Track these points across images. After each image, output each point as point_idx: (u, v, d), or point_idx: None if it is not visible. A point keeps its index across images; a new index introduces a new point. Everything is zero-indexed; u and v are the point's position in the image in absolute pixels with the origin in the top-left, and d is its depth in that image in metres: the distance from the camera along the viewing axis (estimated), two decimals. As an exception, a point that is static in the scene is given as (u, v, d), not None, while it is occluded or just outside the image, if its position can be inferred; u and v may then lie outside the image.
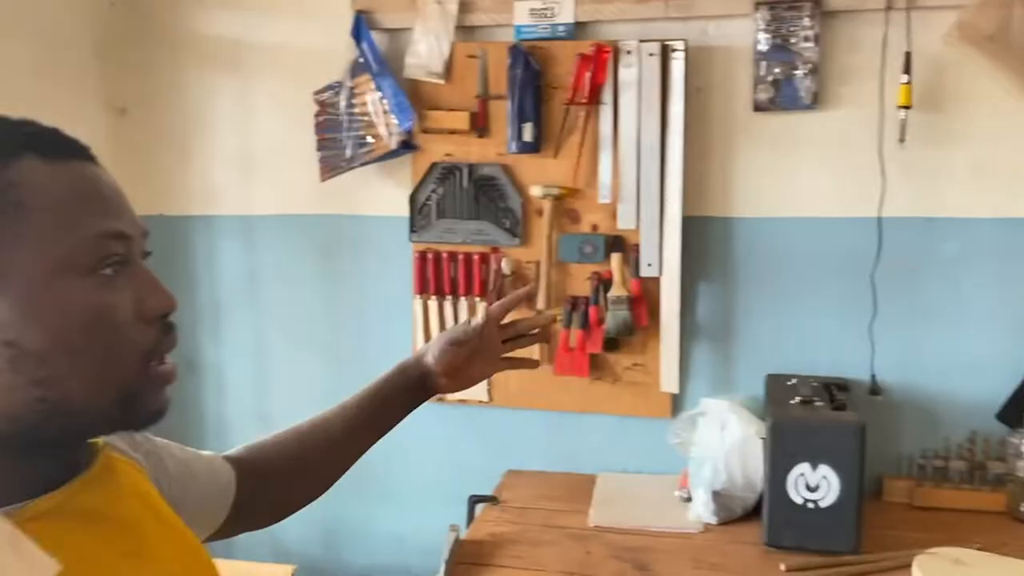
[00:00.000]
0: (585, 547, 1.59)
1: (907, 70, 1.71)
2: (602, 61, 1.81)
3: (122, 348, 0.61)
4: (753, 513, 1.68)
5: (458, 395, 1.93)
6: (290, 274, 2.10)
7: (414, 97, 1.91)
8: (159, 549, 0.69)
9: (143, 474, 0.75)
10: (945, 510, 1.71)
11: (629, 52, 1.80)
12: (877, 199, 1.76)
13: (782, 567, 1.47)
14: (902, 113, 1.72)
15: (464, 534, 1.66)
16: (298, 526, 2.08)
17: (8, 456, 0.60)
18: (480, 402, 1.99)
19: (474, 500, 1.81)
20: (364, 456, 1.00)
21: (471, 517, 1.79)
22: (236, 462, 0.92)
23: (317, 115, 2.00)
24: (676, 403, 1.91)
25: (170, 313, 0.65)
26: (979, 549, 1.49)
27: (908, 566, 1.43)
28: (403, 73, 1.92)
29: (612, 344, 1.89)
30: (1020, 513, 1.67)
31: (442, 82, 1.90)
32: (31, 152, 0.60)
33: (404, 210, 1.96)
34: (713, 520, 1.67)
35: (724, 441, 1.69)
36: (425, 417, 1.99)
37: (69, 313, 0.58)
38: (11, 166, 0.59)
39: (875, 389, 1.81)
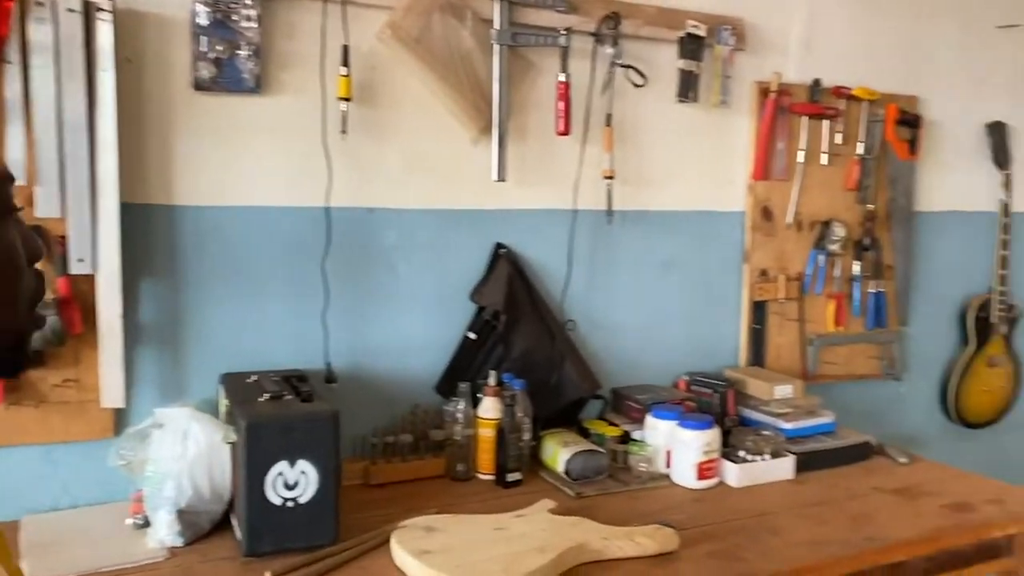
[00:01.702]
0: (25, 613, 1.28)
1: (346, 63, 1.75)
2: (4, 11, 1.46)
3: (24, 292, 0.61)
4: (221, 525, 1.55)
5: None
6: None
7: None
8: None
9: None
10: (397, 483, 1.82)
11: (41, 4, 1.49)
12: (324, 189, 1.78)
13: (267, 575, 1.39)
14: (343, 105, 1.76)
15: None
16: None
17: None
18: None
19: None
20: None
21: None
22: None
23: None
24: (121, 419, 1.66)
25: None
26: (437, 513, 1.62)
27: (386, 543, 1.49)
28: None
29: (35, 358, 1.55)
30: (457, 473, 1.86)
31: None
32: None
33: None
34: (179, 542, 1.49)
35: (187, 453, 1.52)
36: None
37: None
38: None
39: (330, 377, 1.83)
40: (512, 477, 1.83)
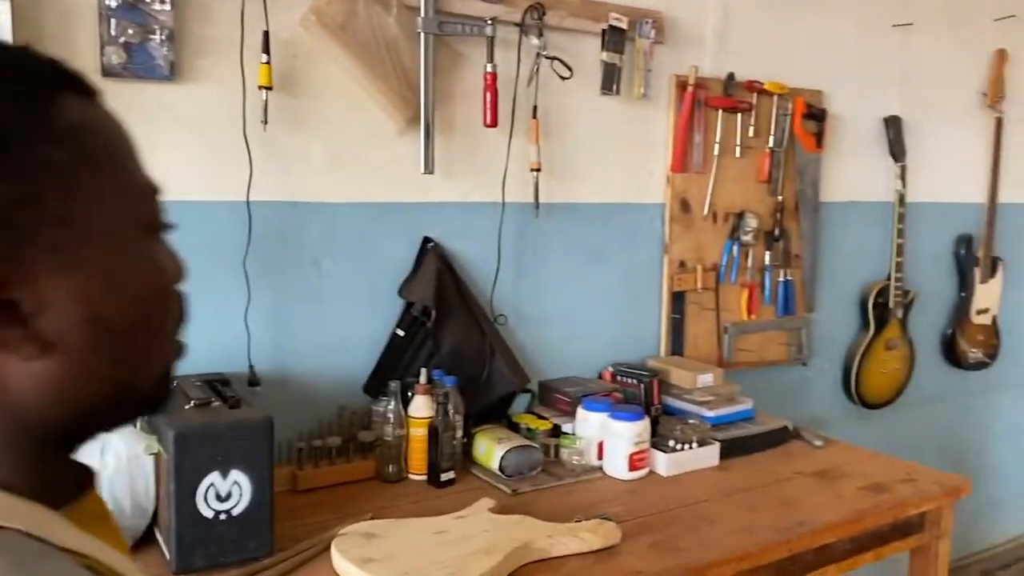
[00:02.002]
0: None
1: (266, 49, 1.67)
2: None
3: (175, 319, 0.56)
4: (144, 540, 1.46)
5: None
6: None
7: None
8: None
9: None
10: (326, 487, 1.76)
11: (-72, -21, 1.35)
12: (244, 182, 1.69)
13: (202, 593, 1.31)
14: (264, 94, 1.68)
15: None
16: None
17: (49, 463, 0.51)
18: None
19: None
20: None
21: None
22: None
23: None
24: (26, 432, 1.53)
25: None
26: (371, 517, 1.57)
27: (325, 551, 1.43)
28: None
29: None
30: (388, 474, 1.81)
31: None
32: (73, 89, 0.50)
33: None
34: (99, 563, 1.39)
35: (108, 466, 1.42)
36: None
37: (151, 280, 0.53)
38: (64, 106, 0.48)
39: (254, 379, 1.75)
40: (446, 476, 1.79)
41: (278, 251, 1.76)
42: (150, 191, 0.57)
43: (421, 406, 1.81)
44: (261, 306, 1.74)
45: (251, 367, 1.74)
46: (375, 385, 1.88)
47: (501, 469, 1.82)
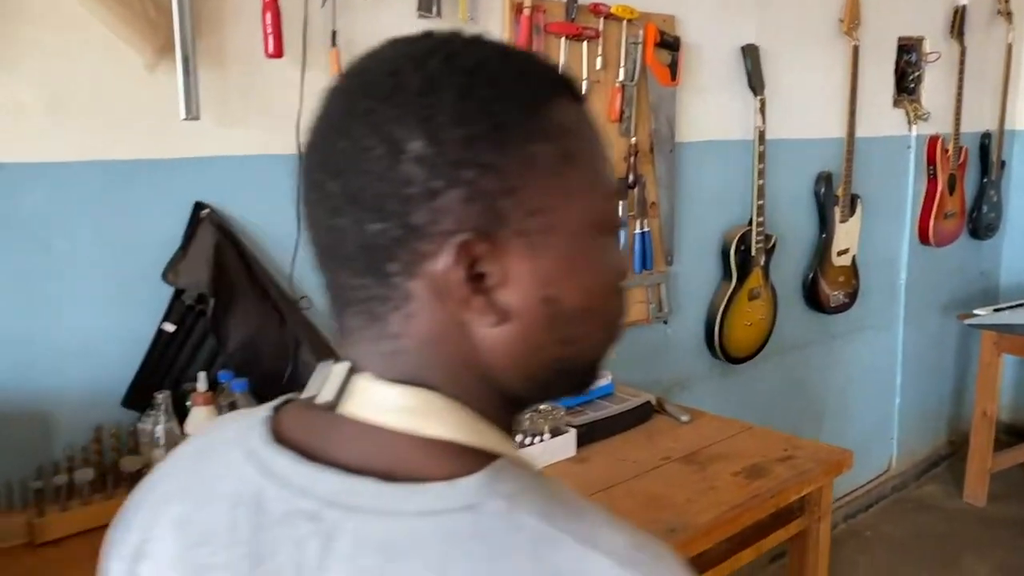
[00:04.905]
0: None
1: (-68, -49, 1.19)
2: None
3: (623, 314, 0.60)
4: None
5: None
6: None
7: None
8: None
9: None
10: (79, 535, 1.35)
11: None
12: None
13: None
14: (-66, 14, 1.20)
15: None
16: None
17: (508, 418, 0.57)
18: None
19: None
20: None
21: None
22: None
23: None
24: None
25: None
26: None
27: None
28: None
29: None
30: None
31: None
32: (565, 92, 0.55)
33: None
34: None
35: None
36: None
37: (602, 273, 0.57)
38: (556, 108, 0.53)
39: (-42, 406, 1.31)
40: (238, 506, 1.42)
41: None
42: (612, 193, 0.59)
43: (201, 420, 1.42)
44: (-40, 307, 1.29)
45: (-48, 390, 1.29)
46: (139, 397, 1.46)
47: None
